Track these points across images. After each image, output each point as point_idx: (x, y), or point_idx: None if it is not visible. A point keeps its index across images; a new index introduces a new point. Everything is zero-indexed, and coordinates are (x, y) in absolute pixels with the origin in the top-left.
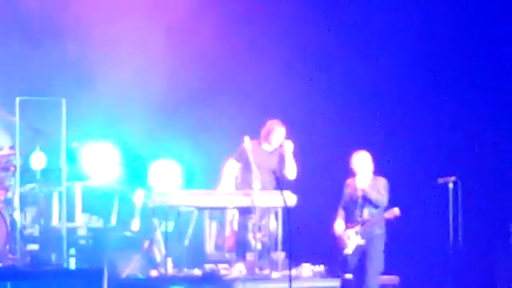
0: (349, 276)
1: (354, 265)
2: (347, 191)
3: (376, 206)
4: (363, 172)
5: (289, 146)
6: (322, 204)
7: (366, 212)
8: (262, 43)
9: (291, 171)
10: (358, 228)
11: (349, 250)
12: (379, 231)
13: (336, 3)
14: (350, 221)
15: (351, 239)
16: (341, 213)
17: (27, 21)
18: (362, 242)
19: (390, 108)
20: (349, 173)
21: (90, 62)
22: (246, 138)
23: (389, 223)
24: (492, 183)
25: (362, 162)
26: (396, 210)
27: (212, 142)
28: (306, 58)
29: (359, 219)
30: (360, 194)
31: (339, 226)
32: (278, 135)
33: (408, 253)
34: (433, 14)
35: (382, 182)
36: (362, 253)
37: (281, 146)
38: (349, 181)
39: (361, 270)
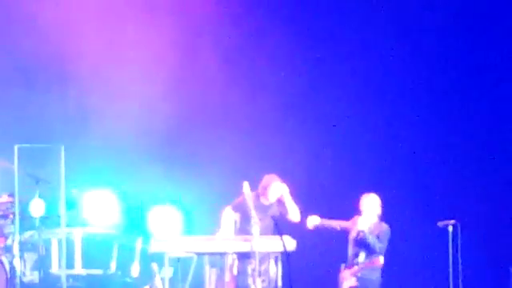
0: None
1: None
2: (353, 229)
3: (372, 252)
4: (369, 214)
5: (284, 190)
6: (321, 248)
7: (362, 255)
8: (264, 83)
9: (294, 214)
10: (353, 269)
11: None
12: (375, 276)
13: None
14: (347, 261)
15: (346, 280)
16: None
17: (26, 67)
18: (354, 284)
19: (390, 151)
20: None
21: (88, 110)
22: (246, 184)
23: (387, 268)
24: (491, 226)
25: (369, 204)
26: (381, 259)
27: (212, 189)
28: (308, 96)
29: (354, 261)
30: (359, 235)
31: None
32: (274, 190)
33: None
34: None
35: (384, 229)
36: None
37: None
38: (356, 218)
39: None
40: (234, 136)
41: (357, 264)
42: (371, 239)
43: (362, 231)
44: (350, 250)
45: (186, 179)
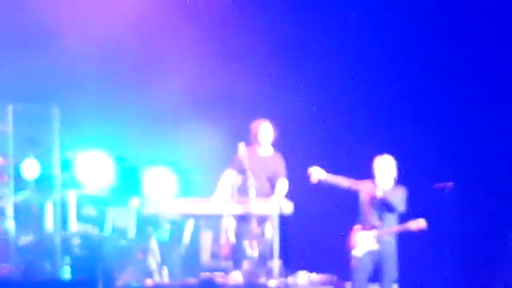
0: None
1: (363, 268)
2: (362, 193)
3: (392, 212)
4: (385, 177)
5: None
6: (318, 211)
7: (391, 218)
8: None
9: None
10: (374, 232)
11: (359, 251)
12: (391, 237)
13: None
14: (363, 224)
15: (364, 242)
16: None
17: (19, 26)
18: (375, 246)
19: (387, 112)
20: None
21: (83, 70)
22: (241, 145)
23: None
24: (490, 188)
25: (385, 166)
26: (421, 222)
27: (207, 149)
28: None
29: (377, 223)
30: (380, 197)
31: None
32: (264, 132)
33: (405, 259)
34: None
35: (402, 191)
36: (375, 259)
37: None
38: (364, 183)
39: (375, 275)
40: (233, 95)
41: (379, 227)
42: (396, 200)
43: (384, 193)
44: (368, 213)
45: (183, 140)
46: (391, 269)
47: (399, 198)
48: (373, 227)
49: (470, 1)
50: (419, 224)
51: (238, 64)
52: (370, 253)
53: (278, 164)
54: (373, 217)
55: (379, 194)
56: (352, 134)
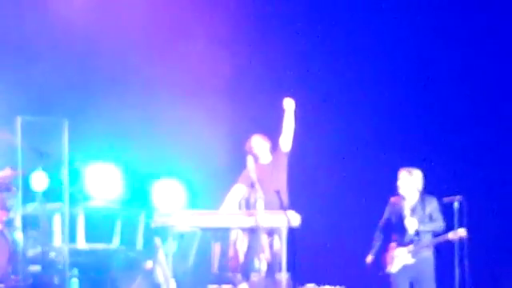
0: None
1: (400, 285)
2: (392, 210)
3: (425, 225)
4: (410, 189)
5: (289, 104)
6: (326, 224)
7: (427, 236)
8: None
9: (287, 138)
10: (411, 247)
11: (394, 268)
12: (429, 253)
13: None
14: (398, 240)
15: (400, 257)
16: (379, 237)
17: (30, 39)
18: (411, 261)
19: (396, 126)
20: (350, 190)
21: (92, 82)
22: (249, 158)
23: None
24: (498, 202)
25: (406, 179)
26: (461, 231)
27: (216, 162)
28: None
29: (415, 238)
30: (408, 213)
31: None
32: (256, 145)
33: None
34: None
35: (432, 203)
36: (412, 275)
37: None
38: (393, 199)
39: None
40: (242, 110)
41: (415, 242)
42: (428, 228)
43: (416, 233)
44: (401, 230)
45: (192, 153)
46: (428, 286)
47: (432, 211)
48: (409, 242)
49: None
50: (459, 233)
51: (251, 78)
52: (405, 268)
53: (279, 163)
54: (407, 232)
55: (406, 211)
56: (365, 147)
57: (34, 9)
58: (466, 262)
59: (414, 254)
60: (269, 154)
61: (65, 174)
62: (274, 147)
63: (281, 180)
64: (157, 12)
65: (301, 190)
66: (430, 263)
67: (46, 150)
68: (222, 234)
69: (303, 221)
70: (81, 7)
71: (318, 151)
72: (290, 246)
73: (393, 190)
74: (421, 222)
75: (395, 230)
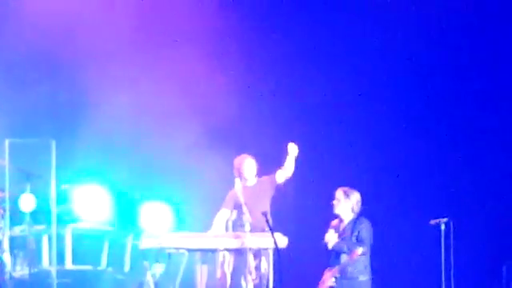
0: None
1: None
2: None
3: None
4: (345, 213)
5: (293, 149)
6: (313, 245)
7: (344, 257)
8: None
9: (285, 175)
10: (334, 269)
11: None
12: (363, 278)
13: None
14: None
15: (326, 281)
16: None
17: (16, 61)
18: (332, 284)
19: (382, 147)
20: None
21: (80, 103)
22: (237, 181)
23: (378, 266)
24: (484, 224)
25: (346, 201)
26: (358, 250)
27: (203, 184)
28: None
29: (336, 261)
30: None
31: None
32: (247, 167)
33: None
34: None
35: (363, 226)
36: None
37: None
38: (334, 222)
39: None
40: (228, 131)
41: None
42: (345, 248)
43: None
44: (329, 257)
45: (179, 176)
46: None
47: (359, 232)
48: (332, 265)
49: None
50: (357, 252)
51: (239, 99)
52: None
53: (268, 187)
54: (335, 256)
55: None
56: (348, 172)
57: (19, 30)
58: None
59: (338, 276)
60: (254, 179)
61: (53, 195)
62: (267, 172)
63: (265, 203)
64: (145, 29)
65: (287, 211)
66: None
67: (33, 171)
68: (210, 255)
69: (290, 242)
70: (67, 26)
71: (304, 172)
72: (276, 268)
73: (378, 212)
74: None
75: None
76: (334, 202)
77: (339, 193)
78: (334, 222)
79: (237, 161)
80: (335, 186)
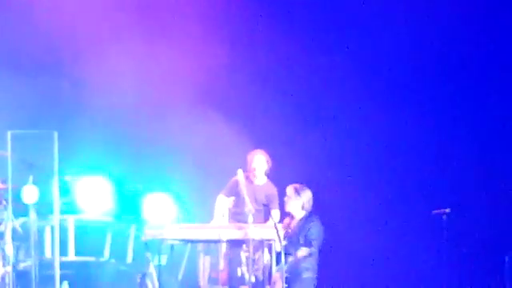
0: None
1: None
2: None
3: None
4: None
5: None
6: None
7: (290, 258)
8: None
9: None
10: (283, 271)
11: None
12: (307, 275)
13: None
14: None
15: (276, 282)
16: None
17: (18, 53)
18: (281, 286)
19: (384, 138)
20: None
21: (82, 95)
22: (240, 171)
23: (381, 258)
24: (486, 214)
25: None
26: (298, 252)
27: (206, 176)
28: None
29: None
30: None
31: None
32: (257, 163)
33: (402, 286)
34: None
35: (313, 225)
36: None
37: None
38: (287, 220)
39: None
40: (232, 124)
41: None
42: (291, 250)
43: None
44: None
45: (183, 166)
46: None
47: (308, 231)
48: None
49: None
50: (298, 254)
51: (244, 92)
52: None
53: (271, 193)
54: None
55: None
56: (349, 163)
57: (21, 22)
58: None
59: (285, 275)
60: (264, 177)
61: (55, 186)
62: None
63: (261, 207)
64: (146, 21)
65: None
66: (307, 285)
67: (36, 162)
68: (213, 247)
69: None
70: (69, 18)
71: (306, 164)
72: (278, 259)
73: (383, 202)
74: (290, 243)
75: None
76: (285, 199)
77: (290, 190)
78: (287, 220)
79: (249, 155)
80: (336, 177)
